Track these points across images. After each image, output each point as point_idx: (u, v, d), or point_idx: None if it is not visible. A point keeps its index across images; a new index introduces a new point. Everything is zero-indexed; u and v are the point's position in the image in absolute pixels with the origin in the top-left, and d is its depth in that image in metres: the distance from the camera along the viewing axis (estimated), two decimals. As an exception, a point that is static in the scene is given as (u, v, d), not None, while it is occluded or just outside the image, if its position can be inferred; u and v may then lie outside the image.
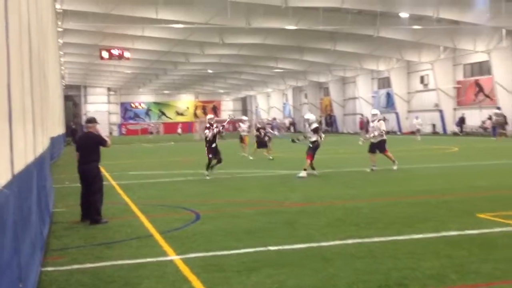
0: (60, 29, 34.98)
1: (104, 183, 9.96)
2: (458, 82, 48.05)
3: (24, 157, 5.75)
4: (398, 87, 54.88)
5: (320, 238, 7.47)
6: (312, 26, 38.27)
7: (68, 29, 38.15)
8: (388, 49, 48.39)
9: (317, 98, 74.25)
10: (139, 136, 73.00)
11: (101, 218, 9.23)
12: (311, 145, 15.99)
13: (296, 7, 35.18)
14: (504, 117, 41.45)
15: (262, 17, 37.05)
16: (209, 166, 16.38)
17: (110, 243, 7.73)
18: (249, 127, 31.22)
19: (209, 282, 5.65)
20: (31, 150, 6.90)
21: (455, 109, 48.22)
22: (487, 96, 44.64)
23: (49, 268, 6.43)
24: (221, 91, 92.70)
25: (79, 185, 9.83)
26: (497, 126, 38.39)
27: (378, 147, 17.01)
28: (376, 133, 16.88)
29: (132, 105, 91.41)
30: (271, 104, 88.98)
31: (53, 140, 20.24)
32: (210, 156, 16.27)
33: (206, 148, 16.46)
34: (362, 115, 60.65)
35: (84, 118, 60.93)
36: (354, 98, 64.32)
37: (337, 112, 67.69)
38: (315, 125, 16.34)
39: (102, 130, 10.05)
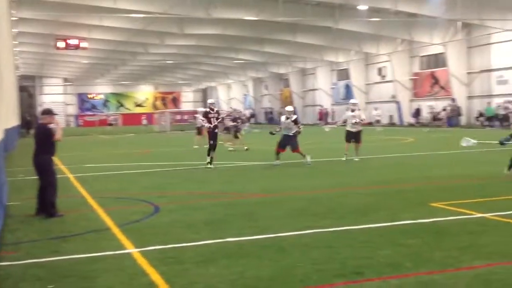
0: (14, 18, 33.97)
1: (59, 176, 9.77)
2: (415, 74, 49.01)
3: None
4: (356, 79, 55.60)
5: (278, 229, 7.53)
6: (272, 18, 38.32)
7: (23, 18, 37.10)
8: (347, 41, 48.93)
9: (278, 90, 74.53)
10: (96, 127, 71.78)
11: (56, 211, 9.05)
12: (291, 136, 16.09)
13: (256, -2, 35.22)
14: (458, 108, 42.60)
15: (222, 7, 36.89)
16: (210, 152, 16.25)
17: (67, 236, 7.61)
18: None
19: (168, 274, 5.63)
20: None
21: (411, 100, 49.19)
22: (442, 87, 45.72)
23: (4, 263, 6.28)
24: (181, 82, 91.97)
25: (34, 177, 9.62)
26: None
27: (355, 137, 17.14)
28: (353, 121, 17.02)
29: (89, 96, 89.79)
30: (231, 95, 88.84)
31: (7, 132, 19.70)
32: (212, 142, 16.20)
33: (208, 134, 16.36)
34: (321, 106, 61.25)
35: (39, 109, 59.57)
36: (314, 89, 64.85)
37: (297, 103, 68.10)
38: (295, 117, 16.51)
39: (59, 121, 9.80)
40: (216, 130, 16.41)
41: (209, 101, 17.53)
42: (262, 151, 21.98)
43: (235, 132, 24.75)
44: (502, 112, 38.18)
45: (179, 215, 8.96)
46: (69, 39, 42.30)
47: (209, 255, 6.33)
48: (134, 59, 63.33)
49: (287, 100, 71.36)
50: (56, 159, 9.71)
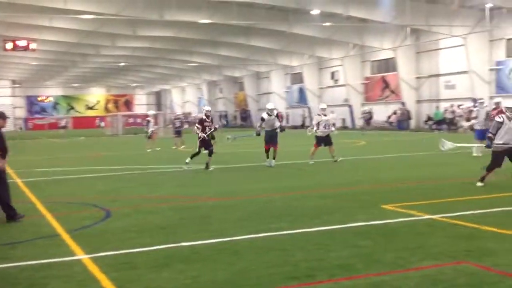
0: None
1: (7, 181, 9.47)
2: (366, 78, 50.00)
3: None
4: (310, 83, 56.25)
5: (233, 232, 7.53)
6: (226, 20, 38.34)
7: (-33, 17, 35.87)
8: (301, 45, 49.45)
9: (232, 93, 74.58)
10: (47, 131, 69.96)
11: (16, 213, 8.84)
12: (276, 133, 16.52)
13: (210, 1, 35.19)
14: (408, 111, 43.69)
15: (176, 9, 36.63)
16: (194, 156, 16.20)
17: (15, 243, 7.39)
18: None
19: (119, 280, 5.54)
20: None
21: (363, 104, 50.11)
22: (392, 92, 46.79)
23: None
24: (134, 84, 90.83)
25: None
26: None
27: (326, 140, 17.45)
28: (326, 125, 17.42)
29: (39, 98, 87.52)
30: (186, 98, 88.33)
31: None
32: (202, 149, 16.14)
33: (198, 142, 16.26)
34: (276, 109, 61.59)
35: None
36: (268, 93, 65.20)
37: (252, 106, 68.32)
38: (276, 112, 17.07)
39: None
40: (207, 138, 16.26)
41: (206, 108, 17.11)
42: (216, 155, 21.94)
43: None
44: (449, 116, 39.38)
45: (132, 220, 8.84)
46: (17, 40, 41.05)
47: (163, 260, 6.27)
48: (85, 61, 62.15)
49: (242, 103, 71.52)
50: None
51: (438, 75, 42.77)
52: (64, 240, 7.46)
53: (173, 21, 39.11)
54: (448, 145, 13.37)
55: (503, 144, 10.97)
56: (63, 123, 67.26)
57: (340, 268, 5.74)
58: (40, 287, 5.46)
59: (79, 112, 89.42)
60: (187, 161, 16.37)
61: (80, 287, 5.44)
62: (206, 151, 16.29)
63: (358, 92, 50.19)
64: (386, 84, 47.81)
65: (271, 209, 9.40)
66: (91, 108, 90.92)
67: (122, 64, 64.19)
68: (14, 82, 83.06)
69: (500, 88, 37.74)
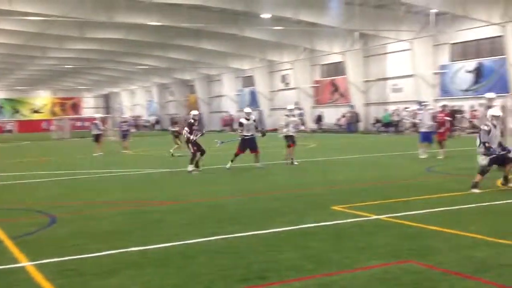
0: None
1: None
2: (316, 82, 50.65)
3: None
4: (261, 86, 56.52)
5: (184, 236, 7.47)
6: (176, 23, 38.08)
7: None
8: (252, 49, 49.63)
9: (183, 96, 74.10)
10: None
11: None
12: (254, 137, 16.62)
13: (160, 3, 34.81)
14: (357, 114, 44.52)
15: (125, 11, 36.10)
16: (193, 160, 16.06)
17: (-46, 252, 7.09)
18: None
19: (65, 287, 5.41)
20: None
21: (313, 107, 50.72)
22: (342, 95, 47.58)
23: None
24: (82, 87, 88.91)
25: None
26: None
27: (293, 140, 17.76)
28: (300, 127, 17.67)
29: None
30: (135, 102, 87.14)
31: None
32: (195, 149, 16.06)
33: (190, 145, 16.17)
34: (227, 112, 61.60)
35: None
36: (220, 96, 65.16)
37: (203, 109, 68.08)
38: (253, 117, 17.16)
39: None
40: (197, 141, 16.32)
41: (193, 112, 17.18)
42: (164, 158, 21.76)
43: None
44: (396, 118, 40.37)
45: (78, 225, 8.64)
46: (-42, 41, 39.55)
47: (112, 266, 6.15)
48: (32, 63, 60.39)
49: (193, 106, 71.15)
50: None
51: (385, 79, 43.78)
52: (7, 247, 7.22)
53: (122, 23, 38.55)
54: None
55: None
56: (8, 127, 65.17)
57: (291, 269, 5.79)
58: (-18, 297, 5.27)
59: (25, 116, 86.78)
60: (189, 169, 16.01)
61: (25, 295, 5.28)
62: (199, 152, 16.32)
63: (308, 95, 50.78)
64: (335, 88, 48.58)
65: (224, 212, 9.39)
66: (37, 111, 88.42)
67: (70, 66, 62.76)
68: (-45, 84, 79.95)
69: (444, 91, 38.99)
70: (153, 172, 16.92)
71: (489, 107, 15.05)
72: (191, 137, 16.19)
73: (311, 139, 31.69)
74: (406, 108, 39.62)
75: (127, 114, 71.84)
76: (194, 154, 16.13)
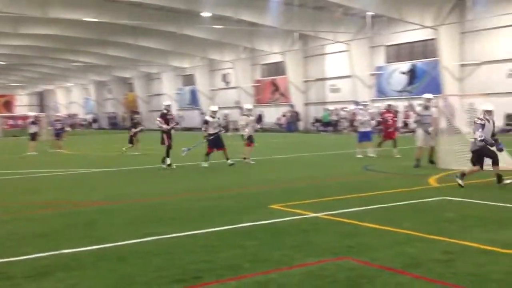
0: None
1: None
2: (257, 81, 50.91)
3: None
4: (202, 84, 56.27)
5: (118, 238, 7.29)
6: (115, 20, 37.32)
7: None
8: (192, 47, 49.31)
9: (121, 94, 72.73)
10: None
11: None
12: (220, 135, 16.84)
13: (97, -1, 34.04)
14: (297, 114, 45.08)
15: (60, 7, 35.06)
16: (169, 153, 16.23)
17: None
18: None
19: (-8, 293, 5.16)
20: None
21: (254, 106, 50.88)
22: (282, 94, 48.04)
23: None
24: (15, 84, 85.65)
25: None
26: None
27: (252, 139, 17.88)
28: (257, 127, 18.12)
29: None
30: (72, 99, 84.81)
31: None
32: (170, 141, 16.28)
33: (164, 136, 16.32)
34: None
35: None
36: (160, 94, 64.37)
37: (142, 108, 67.04)
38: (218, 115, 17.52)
39: None
40: (172, 131, 16.61)
41: (165, 103, 17.69)
42: (101, 157, 21.29)
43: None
44: (334, 118, 41.15)
45: (9, 227, 8.28)
46: None
47: (42, 269, 5.92)
48: (-40, 59, 57.72)
49: (132, 104, 69.89)
50: None
51: (324, 79, 44.55)
52: None
53: (57, 18, 37.39)
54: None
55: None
56: None
57: (227, 269, 5.75)
58: None
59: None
60: (167, 162, 16.13)
61: None
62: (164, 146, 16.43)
63: (249, 95, 50.96)
64: (276, 87, 48.99)
65: (160, 212, 9.24)
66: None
67: (2, 63, 60.32)
68: None
69: (380, 92, 40.09)
70: (89, 172, 16.50)
71: (427, 107, 15.60)
72: (166, 127, 16.32)
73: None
74: (344, 108, 40.46)
75: (62, 112, 69.78)
76: (169, 147, 16.30)
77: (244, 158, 17.69)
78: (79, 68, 65.86)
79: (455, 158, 14.18)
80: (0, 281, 5.52)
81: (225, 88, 54.75)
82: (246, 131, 17.86)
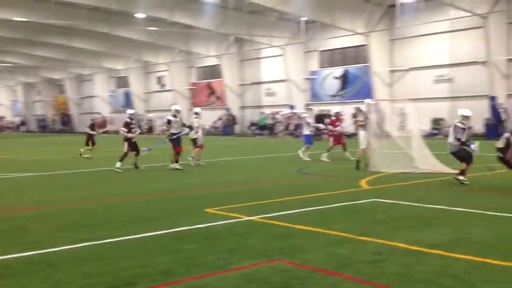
0: None
1: None
2: (193, 84, 50.68)
3: None
4: (136, 87, 55.41)
5: (49, 244, 7.09)
6: (44, 19, 36.15)
7: None
8: (126, 49, 48.50)
9: (51, 96, 70.47)
10: None
11: None
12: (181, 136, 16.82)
13: (26, -2, 32.87)
14: (233, 117, 45.22)
15: (-14, 5, 33.62)
16: (123, 158, 16.31)
17: None
18: None
19: None
20: None
21: (190, 109, 50.67)
22: (218, 97, 48.05)
23: None
24: None
25: None
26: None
27: (201, 142, 18.01)
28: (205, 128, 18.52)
29: None
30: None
31: None
32: (129, 149, 16.47)
33: (125, 143, 16.51)
34: (100, 113, 59.60)
35: None
36: (92, 96, 62.86)
37: (74, 110, 65.23)
38: (180, 115, 17.34)
39: None
40: (133, 141, 16.71)
41: (129, 111, 17.94)
42: (32, 161, 20.58)
43: None
44: (270, 121, 41.59)
45: None
46: None
47: (-33, 279, 5.68)
48: None
49: (62, 106, 67.86)
50: None
51: (260, 83, 44.94)
52: None
53: (-18, 16, 35.79)
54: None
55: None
56: None
57: (162, 274, 5.72)
58: None
59: None
60: (117, 165, 16.03)
61: None
62: (134, 152, 16.72)
63: (184, 98, 50.65)
64: (212, 90, 48.94)
65: (93, 217, 9.05)
66: None
67: None
68: None
69: (314, 96, 40.88)
70: (18, 176, 15.90)
71: (368, 111, 16.03)
72: (129, 135, 16.51)
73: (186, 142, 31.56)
74: (279, 112, 40.98)
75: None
76: (125, 153, 16.46)
77: (197, 161, 17.92)
78: (6, 69, 63.30)
79: (385, 161, 14.70)
80: None
81: (160, 91, 54.16)
82: (199, 134, 17.85)
